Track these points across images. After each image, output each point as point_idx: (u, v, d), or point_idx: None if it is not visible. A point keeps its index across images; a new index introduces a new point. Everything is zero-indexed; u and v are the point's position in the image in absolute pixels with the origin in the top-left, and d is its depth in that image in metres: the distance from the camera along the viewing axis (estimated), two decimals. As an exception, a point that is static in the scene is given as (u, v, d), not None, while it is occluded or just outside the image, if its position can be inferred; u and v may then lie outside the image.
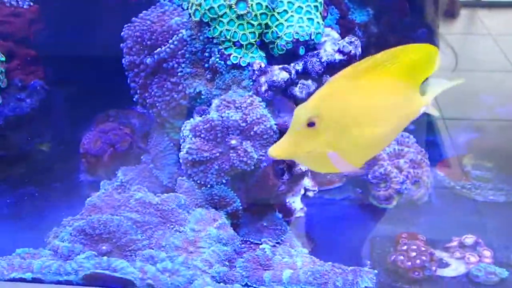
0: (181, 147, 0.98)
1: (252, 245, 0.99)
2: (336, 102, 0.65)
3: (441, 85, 0.73)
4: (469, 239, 0.98)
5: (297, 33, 0.95)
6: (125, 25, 1.09)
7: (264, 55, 0.99)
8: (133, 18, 1.08)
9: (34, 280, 0.89)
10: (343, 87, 0.65)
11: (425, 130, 1.42)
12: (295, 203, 1.05)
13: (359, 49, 1.00)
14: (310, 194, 1.07)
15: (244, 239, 1.00)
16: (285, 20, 0.96)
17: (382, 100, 0.67)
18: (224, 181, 0.97)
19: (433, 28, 1.52)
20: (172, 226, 0.95)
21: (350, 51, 0.98)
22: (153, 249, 0.92)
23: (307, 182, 1.06)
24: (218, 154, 0.96)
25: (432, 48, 0.68)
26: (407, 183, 1.16)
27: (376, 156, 1.17)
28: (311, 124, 0.64)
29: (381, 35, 1.39)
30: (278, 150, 0.66)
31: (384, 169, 1.16)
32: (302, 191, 1.06)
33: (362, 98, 0.66)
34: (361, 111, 0.66)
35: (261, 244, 0.99)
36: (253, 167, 0.96)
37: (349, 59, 0.98)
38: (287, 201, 1.04)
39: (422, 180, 1.18)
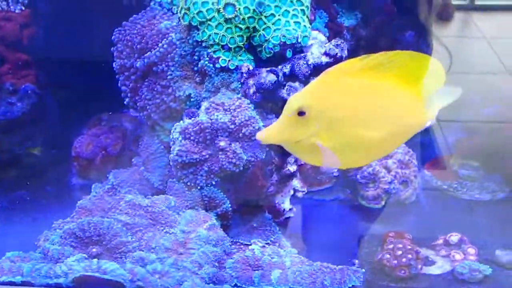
0: (171, 149, 0.99)
1: (241, 246, 1.00)
2: (328, 95, 0.64)
3: (445, 98, 0.71)
4: (454, 237, 0.99)
5: (284, 36, 0.97)
6: (116, 29, 1.10)
7: (252, 58, 1.01)
8: (124, 22, 1.10)
9: (24, 284, 0.90)
10: (338, 82, 0.64)
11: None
12: (285, 204, 1.07)
13: (346, 52, 1.02)
14: (299, 194, 1.09)
15: (234, 240, 1.01)
16: (272, 24, 0.98)
17: (377, 103, 0.66)
18: (213, 182, 0.98)
19: (426, 28, 1.54)
20: (162, 228, 0.96)
21: (337, 53, 1.00)
22: (143, 251, 0.93)
23: (296, 183, 1.07)
24: (207, 156, 0.97)
25: (434, 62, 0.66)
26: (395, 183, 1.18)
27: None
28: (301, 113, 0.63)
29: (370, 38, 1.41)
30: (266, 135, 0.65)
31: (373, 169, 1.18)
32: (292, 192, 1.08)
33: (356, 96, 0.65)
34: (353, 109, 0.65)
35: (250, 245, 1.00)
36: (242, 169, 0.97)
37: (335, 62, 0.99)
38: (276, 202, 1.05)
39: (410, 180, 1.20)
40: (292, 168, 1.02)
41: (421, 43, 1.53)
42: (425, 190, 1.24)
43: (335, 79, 0.64)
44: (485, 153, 1.33)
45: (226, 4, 0.97)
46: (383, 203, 1.18)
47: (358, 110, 0.65)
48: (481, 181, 1.24)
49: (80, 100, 1.38)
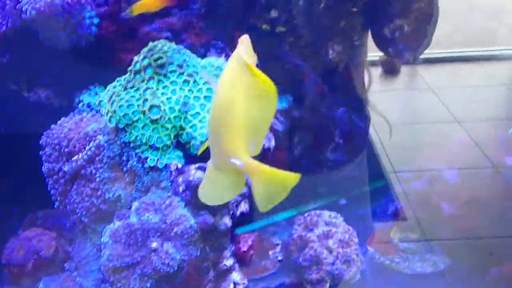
0: (102, 253, 0.96)
1: None
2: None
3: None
4: (396, 320, 0.99)
5: (210, 133, 0.99)
6: (44, 133, 1.09)
7: (182, 154, 1.02)
8: (52, 125, 1.10)
9: None
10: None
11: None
12: (225, 299, 1.04)
13: (273, 142, 1.05)
14: (241, 287, 1.06)
15: None
16: (199, 121, 1.00)
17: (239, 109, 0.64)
18: (148, 285, 0.95)
19: (361, 101, 1.62)
20: None
21: (264, 145, 1.03)
22: None
23: (235, 276, 1.05)
24: (140, 259, 0.94)
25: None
26: (338, 263, 1.18)
27: (306, 238, 1.19)
28: None
29: (303, 118, 1.46)
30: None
31: (314, 250, 1.18)
32: (232, 286, 1.05)
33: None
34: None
35: None
36: (176, 268, 0.95)
37: (263, 153, 1.02)
38: (216, 298, 1.02)
39: (352, 258, 1.20)
40: (229, 262, 1.01)
41: (354, 117, 1.61)
42: (370, 266, 1.24)
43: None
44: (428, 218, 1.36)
45: (151, 106, 0.99)
46: (327, 286, 1.16)
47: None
48: (422, 253, 1.25)
49: (14, 199, 1.33)
